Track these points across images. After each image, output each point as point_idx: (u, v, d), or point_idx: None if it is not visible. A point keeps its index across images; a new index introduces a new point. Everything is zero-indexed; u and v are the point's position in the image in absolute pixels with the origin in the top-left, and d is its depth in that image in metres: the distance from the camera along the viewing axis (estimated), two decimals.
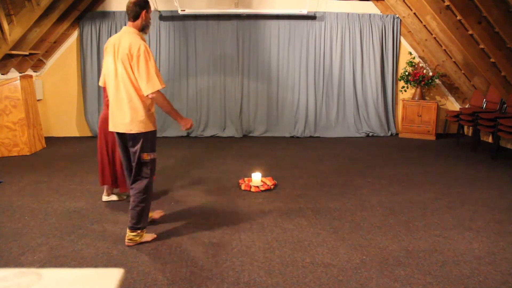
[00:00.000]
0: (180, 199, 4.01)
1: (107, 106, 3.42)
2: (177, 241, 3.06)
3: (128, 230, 2.97)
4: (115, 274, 1.32)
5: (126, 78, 2.72)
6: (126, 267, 2.66)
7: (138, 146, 2.83)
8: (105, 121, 3.52)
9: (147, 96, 2.74)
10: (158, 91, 2.73)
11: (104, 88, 3.14)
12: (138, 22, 2.80)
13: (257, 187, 4.28)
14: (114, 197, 3.93)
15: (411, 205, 3.87)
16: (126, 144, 2.94)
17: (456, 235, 3.21)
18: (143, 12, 2.78)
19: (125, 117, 2.78)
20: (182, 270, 2.64)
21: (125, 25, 7.14)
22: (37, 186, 4.36)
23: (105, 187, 3.89)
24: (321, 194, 4.19)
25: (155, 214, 3.44)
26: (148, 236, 3.05)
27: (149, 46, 7.55)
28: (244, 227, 3.33)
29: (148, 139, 2.85)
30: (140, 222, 2.94)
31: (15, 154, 5.75)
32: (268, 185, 4.32)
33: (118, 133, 2.91)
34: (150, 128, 2.85)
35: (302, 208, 3.79)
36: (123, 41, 2.71)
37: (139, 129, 2.79)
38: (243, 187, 4.34)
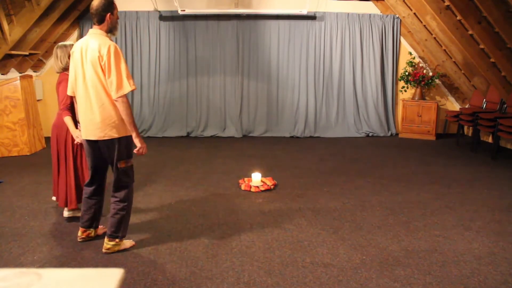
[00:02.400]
0: (180, 199, 4.01)
1: (61, 114, 3.22)
2: (177, 241, 3.06)
3: (106, 238, 2.85)
4: (115, 274, 1.31)
5: (97, 81, 2.59)
6: (126, 267, 2.66)
7: (115, 154, 2.70)
8: (57, 128, 3.32)
9: (115, 100, 2.60)
10: (125, 95, 2.58)
11: (71, 97, 2.99)
12: (104, 25, 2.69)
13: (257, 187, 4.28)
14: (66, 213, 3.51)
15: (411, 205, 3.87)
16: (98, 152, 2.79)
17: (456, 235, 3.21)
18: (108, 15, 2.67)
19: (97, 123, 2.64)
20: (182, 270, 2.64)
21: (126, 24, 7.17)
22: (37, 186, 4.36)
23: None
24: (321, 194, 4.19)
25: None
26: (127, 243, 2.93)
27: (149, 46, 7.62)
28: (244, 227, 3.33)
29: (123, 145, 2.71)
30: (119, 230, 2.82)
31: (15, 154, 5.75)
32: (268, 185, 4.32)
33: (88, 141, 2.76)
34: (124, 133, 2.70)
35: (302, 208, 3.79)
36: (91, 43, 2.59)
37: (112, 134, 2.65)
38: (243, 187, 4.34)
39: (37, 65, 7.07)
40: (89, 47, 2.60)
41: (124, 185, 2.81)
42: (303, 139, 7.24)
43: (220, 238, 3.12)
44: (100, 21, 2.68)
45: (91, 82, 2.62)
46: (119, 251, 2.88)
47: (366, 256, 2.85)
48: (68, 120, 3.17)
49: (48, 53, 7.06)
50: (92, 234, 3.05)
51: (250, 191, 4.27)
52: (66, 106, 3.17)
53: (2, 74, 6.17)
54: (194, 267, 2.69)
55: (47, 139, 6.68)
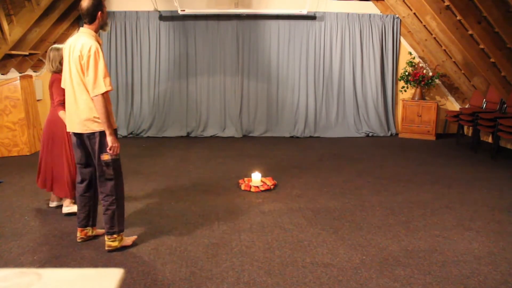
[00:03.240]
0: (180, 199, 4.01)
1: (54, 110, 3.43)
2: (177, 241, 3.06)
3: (105, 236, 2.89)
4: (115, 274, 1.32)
5: (79, 78, 2.71)
6: (126, 267, 2.65)
7: (96, 147, 2.77)
8: (54, 124, 3.49)
9: (92, 98, 2.70)
10: (101, 95, 2.68)
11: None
12: (95, 23, 2.77)
13: (257, 187, 4.28)
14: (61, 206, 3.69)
15: (411, 205, 3.87)
16: (83, 145, 2.87)
17: (456, 235, 3.21)
18: (99, 14, 2.76)
19: (81, 117, 2.75)
20: (182, 270, 2.64)
21: (126, 24, 7.17)
22: (37, 186, 4.35)
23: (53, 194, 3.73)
24: (321, 194, 4.19)
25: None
26: (128, 240, 2.96)
27: (149, 46, 7.61)
28: (244, 227, 3.33)
29: (104, 138, 2.76)
30: (114, 226, 2.84)
31: (15, 154, 5.75)
32: (268, 185, 4.32)
33: (75, 134, 2.85)
34: None
35: (302, 208, 3.79)
36: (77, 42, 2.70)
37: (94, 128, 2.74)
38: (243, 187, 4.34)
39: (37, 65, 7.07)
40: (75, 46, 2.72)
41: (109, 178, 2.82)
42: (303, 139, 7.24)
43: (220, 238, 3.12)
44: (92, 21, 2.77)
45: (75, 79, 2.74)
46: (121, 248, 2.89)
47: (366, 256, 2.85)
48: (62, 114, 3.35)
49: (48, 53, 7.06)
50: (90, 233, 3.06)
51: (250, 191, 4.27)
52: (60, 101, 3.32)
53: (2, 74, 6.17)
54: (194, 267, 2.69)
55: None
